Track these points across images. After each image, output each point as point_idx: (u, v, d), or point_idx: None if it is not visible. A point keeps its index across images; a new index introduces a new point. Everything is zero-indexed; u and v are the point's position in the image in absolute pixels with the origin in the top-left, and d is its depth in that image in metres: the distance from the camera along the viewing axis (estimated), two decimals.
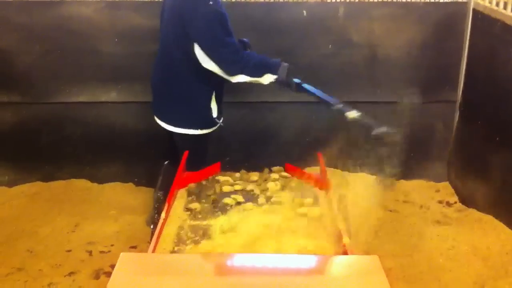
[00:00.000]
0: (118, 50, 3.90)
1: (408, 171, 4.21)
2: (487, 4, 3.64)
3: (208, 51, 2.91)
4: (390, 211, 3.72)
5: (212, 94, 3.11)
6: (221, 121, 3.21)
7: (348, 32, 3.93)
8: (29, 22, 3.82)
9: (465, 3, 3.87)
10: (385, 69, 4.01)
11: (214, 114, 3.16)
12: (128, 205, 3.84)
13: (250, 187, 2.86)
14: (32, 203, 3.86)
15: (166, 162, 3.38)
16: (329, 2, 3.86)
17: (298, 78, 2.95)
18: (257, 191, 2.82)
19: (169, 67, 3.08)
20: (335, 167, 4.12)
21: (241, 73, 2.94)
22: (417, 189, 4.07)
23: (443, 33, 3.95)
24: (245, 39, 3.17)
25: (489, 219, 3.44)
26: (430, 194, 4.01)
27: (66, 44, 3.87)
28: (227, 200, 2.69)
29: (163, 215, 2.48)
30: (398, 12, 3.90)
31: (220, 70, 2.96)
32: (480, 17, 3.71)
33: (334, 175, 4.00)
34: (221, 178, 2.99)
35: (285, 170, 3.17)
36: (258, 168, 3.12)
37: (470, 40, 3.90)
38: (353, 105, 3.95)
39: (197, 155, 3.14)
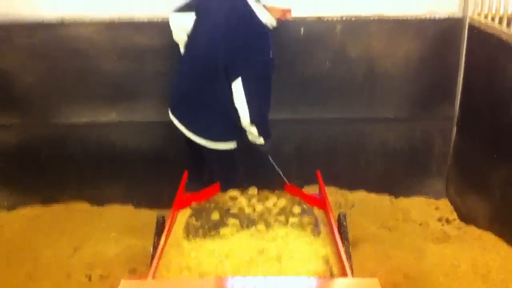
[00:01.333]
0: (118, 70, 3.91)
1: (407, 187, 4.22)
2: (482, 19, 3.66)
3: (249, 95, 3.00)
4: (390, 229, 3.72)
5: None
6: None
7: (345, 48, 3.94)
8: (30, 43, 3.84)
9: (461, 19, 3.89)
10: (382, 85, 4.02)
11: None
12: (129, 227, 3.84)
13: (248, 209, 2.88)
14: (33, 226, 3.86)
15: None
16: (326, 20, 3.88)
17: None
18: (256, 212, 2.83)
19: (209, 80, 3.11)
20: (334, 185, 4.16)
21: (255, 125, 3.10)
22: (416, 206, 4.06)
23: (440, 49, 3.96)
24: None
25: (489, 236, 3.43)
26: (429, 211, 4.01)
27: (67, 65, 3.89)
28: (226, 226, 2.68)
29: (163, 239, 2.49)
30: (395, 29, 3.91)
31: (245, 114, 3.06)
32: (476, 32, 3.73)
33: (333, 193, 4.04)
34: (221, 198, 3.02)
35: (284, 190, 3.18)
36: (258, 186, 3.15)
37: (466, 55, 3.91)
38: (353, 121, 4.06)
39: (230, 169, 3.39)
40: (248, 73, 2.97)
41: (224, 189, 3.09)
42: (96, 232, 3.77)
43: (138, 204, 4.18)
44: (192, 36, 3.20)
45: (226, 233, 2.60)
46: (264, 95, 3.09)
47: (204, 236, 2.59)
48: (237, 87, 2.98)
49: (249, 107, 3.02)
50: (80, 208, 4.08)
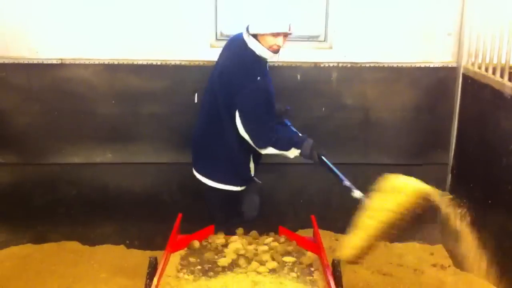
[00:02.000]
0: (114, 111, 3.95)
1: (402, 233, 4.19)
2: (476, 69, 3.72)
3: (245, 124, 3.05)
4: (384, 274, 3.68)
5: (250, 155, 3.24)
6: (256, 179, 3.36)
7: (341, 95, 4.00)
8: (27, 83, 3.88)
9: (455, 68, 3.97)
10: (378, 132, 4.06)
11: (252, 173, 3.30)
12: (120, 268, 3.78)
13: (242, 249, 2.88)
14: (24, 265, 3.79)
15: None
16: (322, 67, 3.95)
17: (322, 152, 3.11)
18: (250, 252, 2.85)
19: (214, 126, 3.19)
20: (329, 229, 4.13)
21: (270, 146, 3.09)
22: (411, 251, 4.03)
23: (435, 97, 4.03)
24: (287, 107, 3.47)
25: (483, 283, 3.40)
26: (424, 257, 3.98)
27: (63, 105, 3.92)
28: (222, 261, 2.73)
29: (155, 281, 2.47)
30: (390, 77, 3.98)
31: (251, 141, 3.10)
32: (470, 82, 3.80)
33: (327, 238, 4.01)
34: (215, 240, 3.01)
35: (279, 233, 3.17)
36: (253, 229, 3.14)
37: (460, 103, 3.97)
38: (348, 166, 4.05)
39: (230, 210, 3.33)
40: (241, 103, 3.02)
41: (218, 228, 3.08)
42: (87, 273, 3.71)
43: (130, 245, 4.14)
44: (208, 85, 3.30)
45: (220, 271, 2.63)
46: (262, 118, 3.06)
47: (199, 274, 2.63)
48: (238, 119, 3.05)
49: (250, 135, 3.07)
50: (71, 248, 4.03)
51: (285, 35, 3.06)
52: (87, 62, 3.85)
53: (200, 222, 3.26)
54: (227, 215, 3.34)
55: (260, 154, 3.24)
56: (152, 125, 3.99)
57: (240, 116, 3.03)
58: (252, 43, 3.06)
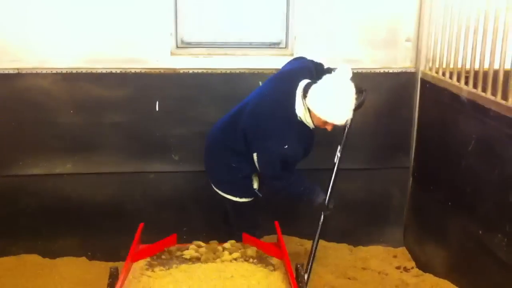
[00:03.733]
0: (75, 121, 3.89)
1: (365, 236, 4.24)
2: (434, 74, 3.79)
3: (260, 169, 3.17)
4: (349, 278, 3.71)
5: (254, 169, 3.24)
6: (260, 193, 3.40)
7: None
8: None
9: (414, 73, 4.03)
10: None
11: (255, 185, 3.35)
12: (81, 280, 3.73)
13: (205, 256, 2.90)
14: None
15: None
16: None
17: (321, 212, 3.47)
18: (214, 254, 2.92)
19: (227, 137, 3.26)
20: (294, 235, 4.14)
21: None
22: (375, 255, 4.08)
23: (395, 102, 4.08)
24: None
25: (446, 284, 3.45)
26: (388, 259, 4.03)
27: (22, 116, 3.84)
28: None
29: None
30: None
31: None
32: (428, 86, 3.86)
33: (293, 244, 4.02)
34: (177, 249, 3.00)
35: (243, 240, 3.15)
36: (217, 238, 3.12)
37: (419, 107, 4.03)
38: (310, 172, 4.09)
39: (242, 220, 3.42)
40: (261, 155, 3.09)
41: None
42: (48, 286, 3.64)
43: (92, 257, 4.06)
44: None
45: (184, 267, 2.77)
46: (276, 174, 3.14)
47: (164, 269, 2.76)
48: (255, 159, 3.13)
49: (262, 176, 3.25)
50: (32, 261, 3.93)
51: None
52: (44, 71, 3.78)
53: (164, 231, 3.23)
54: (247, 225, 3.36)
55: None
56: (113, 134, 3.94)
57: (259, 164, 3.12)
58: (300, 108, 3.03)
